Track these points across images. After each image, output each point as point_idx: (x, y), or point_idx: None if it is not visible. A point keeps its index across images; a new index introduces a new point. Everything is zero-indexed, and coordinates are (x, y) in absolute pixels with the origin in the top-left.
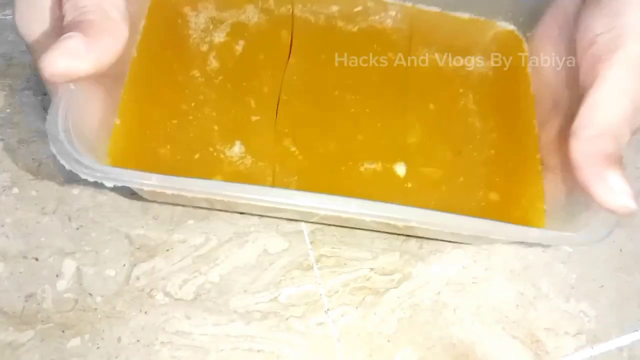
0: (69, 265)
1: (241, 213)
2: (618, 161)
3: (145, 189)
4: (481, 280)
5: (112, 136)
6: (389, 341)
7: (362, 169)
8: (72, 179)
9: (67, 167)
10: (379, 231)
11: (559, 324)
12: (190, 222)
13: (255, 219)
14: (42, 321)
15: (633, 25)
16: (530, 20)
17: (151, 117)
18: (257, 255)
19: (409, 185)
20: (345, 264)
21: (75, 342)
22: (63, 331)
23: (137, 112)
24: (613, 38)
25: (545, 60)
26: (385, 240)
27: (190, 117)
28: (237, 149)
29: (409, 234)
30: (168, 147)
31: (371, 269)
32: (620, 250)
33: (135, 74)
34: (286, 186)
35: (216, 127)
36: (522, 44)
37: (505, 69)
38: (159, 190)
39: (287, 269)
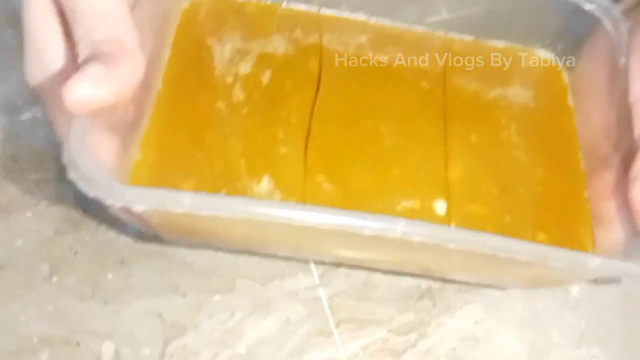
0: (107, 348)
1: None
2: None
3: (179, 210)
4: (493, 333)
5: (133, 172)
6: None
7: (398, 207)
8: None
9: (91, 194)
10: (404, 273)
11: None
12: (216, 297)
13: (276, 288)
14: None
15: None
16: (570, 49)
17: (174, 151)
18: (280, 325)
19: (452, 224)
20: (363, 327)
21: None
22: None
23: (159, 145)
24: None
25: (589, 98)
26: (399, 301)
27: (216, 151)
28: (266, 184)
29: (439, 276)
30: (192, 182)
31: (389, 330)
32: (627, 293)
33: (160, 106)
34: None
35: (243, 161)
36: (561, 74)
37: (545, 99)
38: (193, 212)
39: (309, 336)
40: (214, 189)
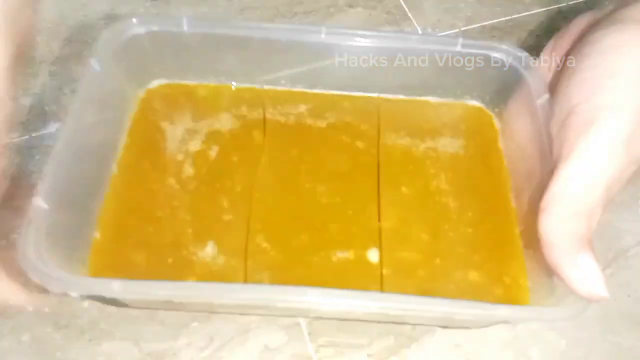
0: None
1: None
2: (590, 243)
3: (107, 296)
4: (474, 356)
5: (92, 250)
6: None
7: (334, 258)
8: None
9: (34, 279)
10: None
11: None
12: (195, 324)
13: (255, 315)
14: None
15: (614, 99)
16: (496, 97)
17: (129, 228)
18: (259, 351)
19: (385, 271)
20: (343, 352)
21: None
22: None
23: (115, 224)
24: (592, 110)
25: (517, 139)
26: (379, 325)
27: (165, 223)
28: (210, 249)
29: (388, 320)
30: (143, 254)
31: (368, 355)
32: (606, 313)
33: (114, 189)
34: (258, 282)
35: (190, 230)
36: (492, 120)
37: (476, 145)
38: (121, 298)
39: None
40: (162, 259)
